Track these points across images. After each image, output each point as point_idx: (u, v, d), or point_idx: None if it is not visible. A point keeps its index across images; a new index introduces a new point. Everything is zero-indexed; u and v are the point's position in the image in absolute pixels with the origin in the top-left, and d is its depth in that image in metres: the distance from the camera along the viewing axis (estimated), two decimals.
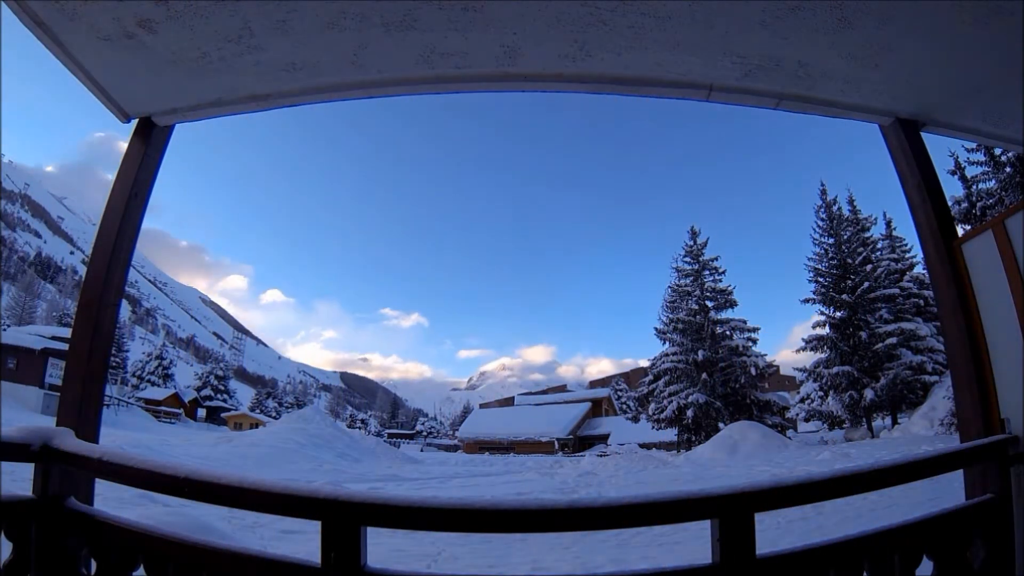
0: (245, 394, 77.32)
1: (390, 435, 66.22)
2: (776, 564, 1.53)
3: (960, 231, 2.38)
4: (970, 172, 19.67)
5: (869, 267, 23.68)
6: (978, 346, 2.14)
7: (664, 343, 29.20)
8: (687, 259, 29.26)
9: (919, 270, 25.08)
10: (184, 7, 1.92)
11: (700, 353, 26.63)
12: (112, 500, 4.92)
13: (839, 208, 25.61)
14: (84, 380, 2.19)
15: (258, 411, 60.83)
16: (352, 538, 1.47)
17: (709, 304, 28.08)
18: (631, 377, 60.18)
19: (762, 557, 1.51)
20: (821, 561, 1.57)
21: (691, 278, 28.90)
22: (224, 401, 52.94)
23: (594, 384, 73.22)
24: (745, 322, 27.88)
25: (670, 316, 28.78)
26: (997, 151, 18.29)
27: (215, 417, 49.77)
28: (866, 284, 23.19)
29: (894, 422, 21.96)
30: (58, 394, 2.32)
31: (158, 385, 47.53)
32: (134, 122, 2.46)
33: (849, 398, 22.34)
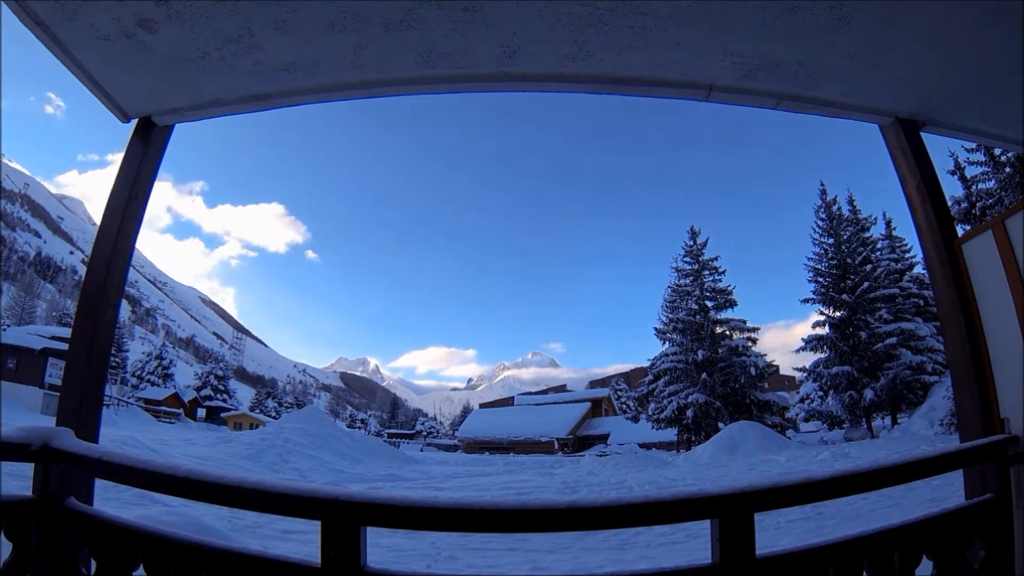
0: (245, 394, 77.29)
1: (390, 435, 66.14)
2: (776, 564, 1.53)
3: (960, 231, 2.38)
4: (970, 172, 19.70)
5: (869, 267, 23.71)
6: (978, 346, 2.13)
7: (664, 343, 29.25)
8: (687, 259, 29.31)
9: (919, 270, 25.10)
10: (184, 7, 1.92)
11: (700, 353, 26.65)
12: (112, 500, 4.94)
13: (839, 208, 25.66)
14: (84, 380, 2.19)
15: (258, 411, 60.73)
16: (352, 538, 1.47)
17: (709, 304, 28.11)
18: (631, 377, 60.14)
19: (762, 557, 1.51)
20: (821, 561, 1.57)
21: (691, 278, 28.94)
22: (224, 401, 52.86)
23: (594, 384, 73.12)
24: (745, 322, 27.97)
25: (670, 316, 28.82)
26: (997, 151, 18.29)
27: (215, 417, 49.68)
28: (866, 284, 23.21)
29: (894, 422, 21.98)
30: (58, 394, 2.32)
31: (158, 385, 47.38)
32: (134, 122, 2.46)
33: (849, 398, 22.36)
